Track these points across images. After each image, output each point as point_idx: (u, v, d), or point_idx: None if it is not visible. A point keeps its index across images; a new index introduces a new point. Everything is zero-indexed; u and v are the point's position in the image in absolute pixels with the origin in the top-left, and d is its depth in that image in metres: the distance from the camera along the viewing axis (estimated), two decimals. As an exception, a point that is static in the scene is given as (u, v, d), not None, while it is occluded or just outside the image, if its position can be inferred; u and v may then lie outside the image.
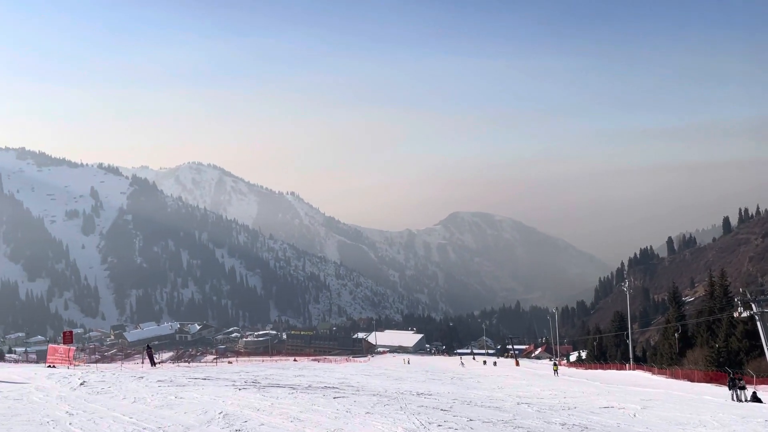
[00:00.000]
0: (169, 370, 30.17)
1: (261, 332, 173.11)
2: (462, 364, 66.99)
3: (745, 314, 30.91)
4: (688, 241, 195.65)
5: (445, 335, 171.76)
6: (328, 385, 22.42)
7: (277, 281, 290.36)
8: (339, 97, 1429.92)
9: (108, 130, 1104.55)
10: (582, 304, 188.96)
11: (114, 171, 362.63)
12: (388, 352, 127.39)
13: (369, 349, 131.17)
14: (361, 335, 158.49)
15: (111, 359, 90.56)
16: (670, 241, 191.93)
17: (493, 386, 30.27)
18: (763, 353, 32.13)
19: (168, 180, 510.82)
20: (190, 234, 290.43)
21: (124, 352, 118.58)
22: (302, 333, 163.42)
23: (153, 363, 36.67)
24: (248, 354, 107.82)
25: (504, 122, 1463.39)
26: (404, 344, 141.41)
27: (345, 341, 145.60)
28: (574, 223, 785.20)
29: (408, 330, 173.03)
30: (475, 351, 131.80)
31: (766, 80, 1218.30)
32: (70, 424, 11.50)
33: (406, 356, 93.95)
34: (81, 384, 18.68)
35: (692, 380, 38.98)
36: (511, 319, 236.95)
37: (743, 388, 26.03)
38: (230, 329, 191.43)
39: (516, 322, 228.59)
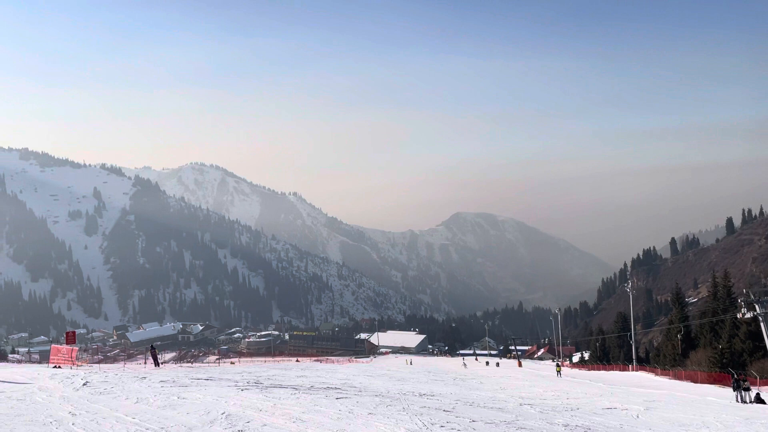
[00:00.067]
0: (171, 371, 30.20)
1: (263, 333, 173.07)
2: (464, 365, 66.92)
3: (748, 315, 30.82)
4: (691, 242, 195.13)
5: (448, 336, 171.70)
6: (330, 386, 22.41)
7: (280, 282, 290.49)
8: (341, 97, 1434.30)
9: (111, 130, 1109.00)
10: (585, 304, 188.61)
11: (117, 171, 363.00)
12: (390, 352, 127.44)
13: (371, 350, 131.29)
14: (363, 336, 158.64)
15: (114, 360, 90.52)
16: (673, 241, 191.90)
17: (496, 387, 30.23)
18: (766, 354, 32.08)
19: (170, 180, 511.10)
20: (193, 234, 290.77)
21: (126, 352, 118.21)
22: (305, 334, 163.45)
23: (157, 363, 36.73)
24: (251, 354, 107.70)
25: (505, 122, 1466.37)
26: (407, 345, 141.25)
27: (347, 342, 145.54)
28: (576, 224, 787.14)
29: (410, 331, 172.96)
30: (478, 352, 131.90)
31: (767, 80, 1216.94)
32: (73, 424, 11.53)
33: (408, 357, 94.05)
34: (84, 384, 18.71)
35: (695, 381, 38.89)
36: (514, 320, 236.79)
37: (747, 389, 25.92)
38: (233, 330, 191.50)
39: (518, 323, 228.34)
